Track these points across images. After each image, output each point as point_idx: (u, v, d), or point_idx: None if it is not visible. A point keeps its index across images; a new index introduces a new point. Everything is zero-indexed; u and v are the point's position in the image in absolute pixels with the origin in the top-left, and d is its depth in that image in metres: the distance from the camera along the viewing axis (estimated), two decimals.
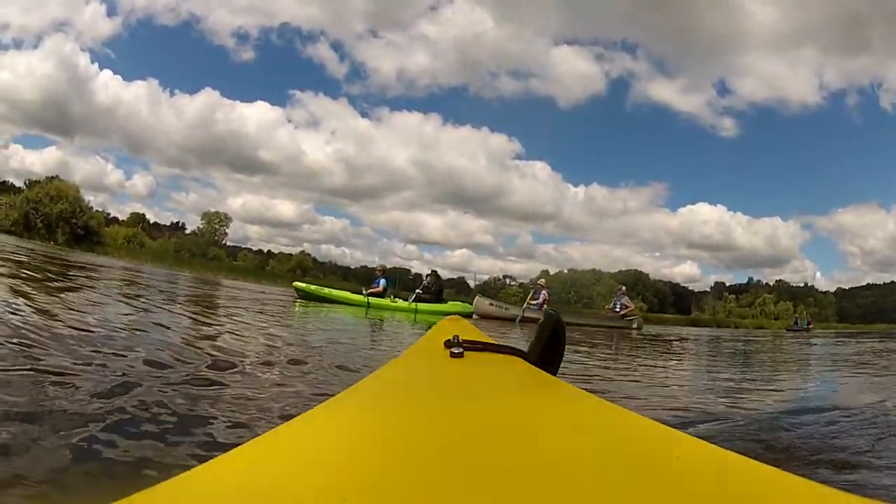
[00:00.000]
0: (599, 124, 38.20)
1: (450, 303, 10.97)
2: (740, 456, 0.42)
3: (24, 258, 8.21)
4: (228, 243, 33.61)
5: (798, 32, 31.44)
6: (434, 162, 36.52)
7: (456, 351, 0.91)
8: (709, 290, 32.72)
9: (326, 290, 10.31)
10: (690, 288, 33.07)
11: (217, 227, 34.43)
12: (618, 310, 12.84)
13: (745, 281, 32.63)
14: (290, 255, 32.23)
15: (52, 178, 30.21)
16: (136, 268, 14.30)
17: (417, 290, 10.70)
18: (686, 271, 33.47)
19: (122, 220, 32.21)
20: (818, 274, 32.23)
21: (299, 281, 11.15)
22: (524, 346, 0.99)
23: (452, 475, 0.39)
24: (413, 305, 10.15)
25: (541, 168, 35.13)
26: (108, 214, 30.70)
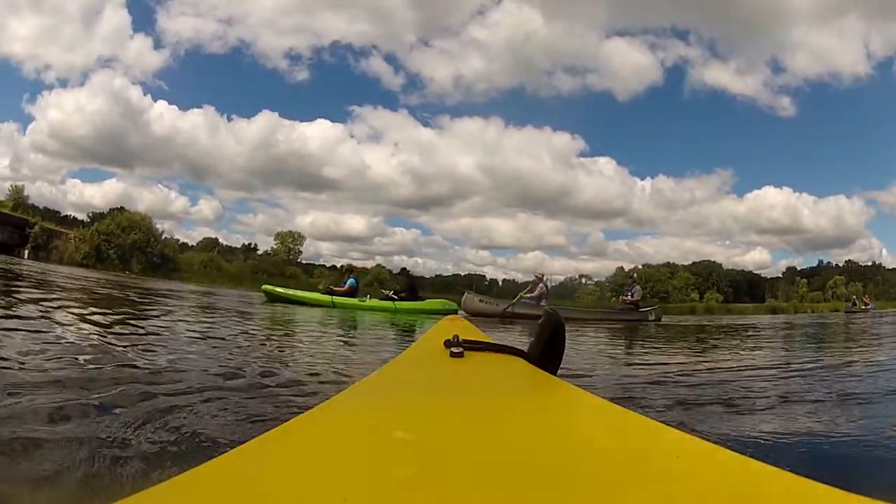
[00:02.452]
0: (660, 114, 37.56)
1: (428, 301, 10.78)
2: (740, 455, 0.42)
3: (109, 289, 8.43)
4: (303, 261, 33.70)
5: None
6: (499, 166, 36.14)
7: (456, 351, 0.91)
8: (781, 275, 31.91)
9: (292, 292, 10.62)
10: (763, 275, 32.23)
11: (291, 245, 34.63)
12: (630, 297, 11.77)
13: (815, 264, 31.93)
14: (366, 268, 32.01)
15: (119, 209, 31.00)
16: (214, 291, 14.71)
17: (389, 291, 10.63)
18: (757, 258, 32.74)
19: (193, 246, 32.72)
20: (884, 251, 31.27)
21: (267, 285, 11.40)
22: (522, 345, 0.99)
23: (453, 475, 0.39)
24: (392, 304, 10.03)
25: (606, 163, 34.60)
26: (178, 241, 31.27)
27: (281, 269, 30.91)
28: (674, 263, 31.76)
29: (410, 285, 10.97)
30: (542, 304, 10.95)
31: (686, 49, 30.81)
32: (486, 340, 1.07)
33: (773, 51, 30.71)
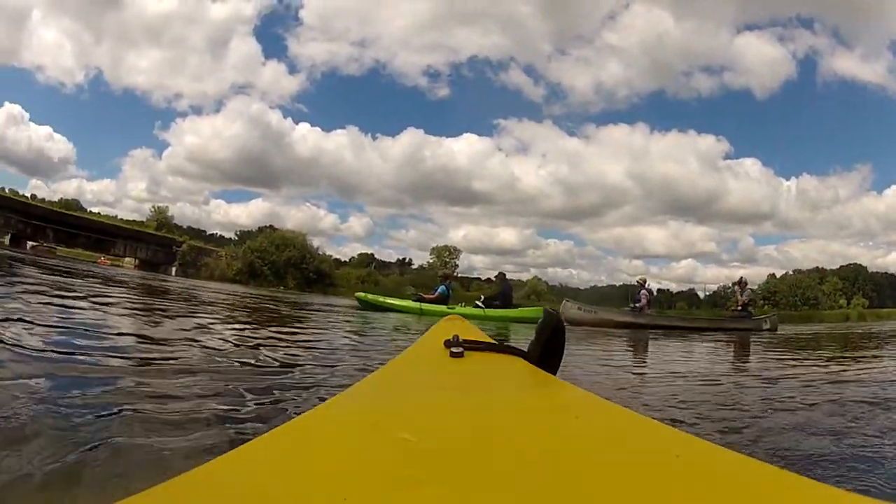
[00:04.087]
0: (796, 109, 36.81)
1: (521, 308, 10.41)
2: (741, 455, 0.42)
3: (275, 305, 8.59)
4: (458, 274, 33.68)
5: None
6: (648, 172, 35.79)
7: (456, 350, 0.91)
8: None
9: (382, 299, 10.83)
10: None
11: (447, 259, 35.05)
12: (742, 301, 10.51)
13: None
14: (522, 281, 31.67)
15: (269, 227, 32.37)
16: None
17: (482, 297, 10.55)
18: None
19: (346, 261, 33.61)
20: None
21: (360, 292, 11.72)
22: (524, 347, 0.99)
23: (453, 475, 0.39)
24: (482, 312, 9.79)
25: (752, 165, 34.46)
26: (330, 257, 32.16)
27: (437, 283, 30.18)
28: (822, 268, 31.10)
29: (505, 292, 10.67)
30: (645, 312, 10.36)
31: (813, 38, 30.75)
32: (487, 340, 1.07)
33: (891, 35, 29.92)
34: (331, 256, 31.37)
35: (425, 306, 9.99)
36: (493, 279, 11.24)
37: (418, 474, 0.38)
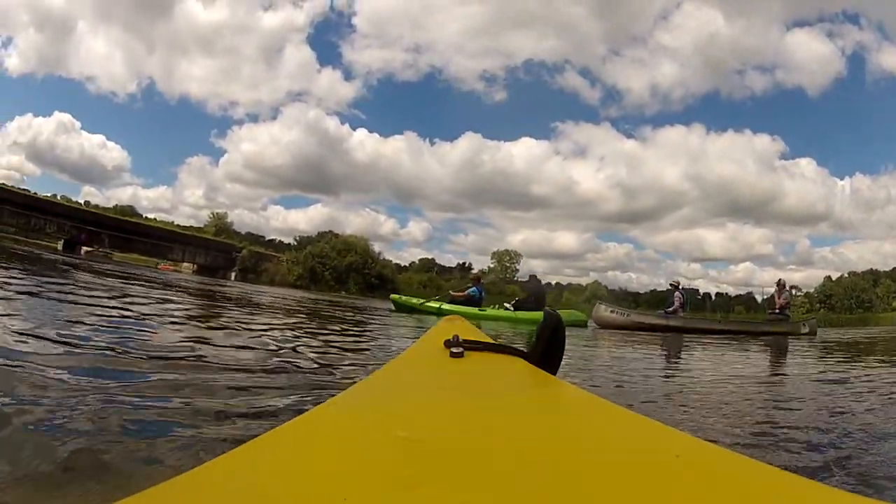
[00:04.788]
0: (846, 107, 36.85)
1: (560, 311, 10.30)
2: (741, 455, 0.42)
3: (339, 310, 8.64)
4: (518, 279, 33.67)
5: None
6: (705, 174, 35.53)
7: (456, 351, 0.91)
8: None
9: (415, 301, 11.05)
10: None
11: (507, 264, 35.24)
12: (780, 303, 10.05)
13: None
14: (581, 285, 31.52)
15: (328, 232, 32.97)
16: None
17: (515, 301, 10.45)
18: None
19: (406, 266, 33.97)
20: None
21: (394, 294, 12.02)
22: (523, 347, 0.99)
23: (452, 475, 0.39)
24: (512, 314, 9.70)
25: (807, 165, 34.52)
26: (391, 261, 32.71)
27: (499, 287, 30.70)
28: (876, 270, 30.80)
29: (536, 294, 10.48)
30: (679, 314, 10.17)
31: (860, 34, 30.83)
32: (487, 340, 1.07)
33: None
34: (391, 261, 31.62)
35: (452, 307, 9.89)
36: (523, 281, 11.15)
37: (418, 474, 0.38)
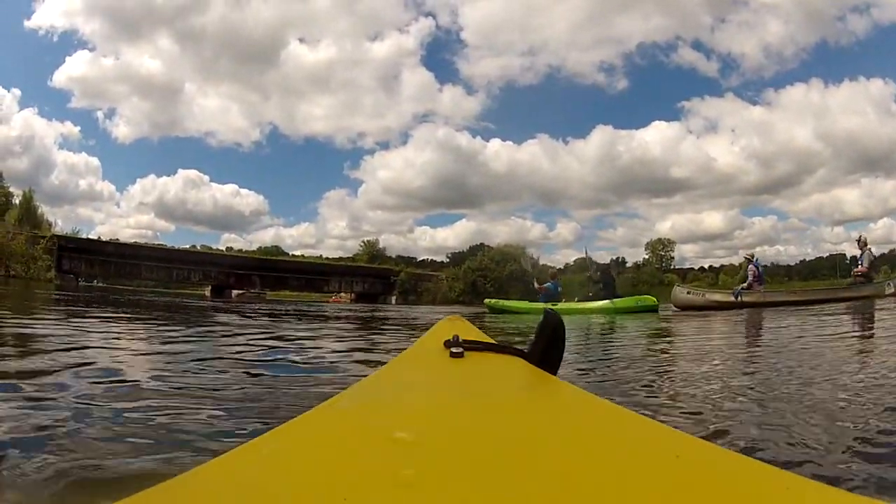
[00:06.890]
0: None
1: (618, 299, 9.94)
2: (741, 455, 0.42)
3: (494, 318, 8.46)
4: (674, 267, 33.32)
5: None
6: (832, 130, 34.25)
7: (456, 351, 0.91)
8: None
9: (508, 303, 11.57)
10: None
11: (662, 253, 34.63)
12: (861, 268, 9.16)
13: None
14: (735, 265, 30.39)
15: (479, 245, 33.00)
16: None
17: (588, 295, 10.53)
18: None
19: (561, 269, 32.91)
20: None
21: (489, 299, 12.52)
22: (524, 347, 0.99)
23: (453, 475, 0.39)
24: (613, 304, 9.63)
25: None
26: (546, 266, 31.70)
27: (658, 277, 30.32)
28: None
29: (607, 283, 10.54)
30: (755, 288, 9.68)
31: None
32: (487, 340, 1.07)
33: None
34: (544, 265, 31.23)
35: (540, 305, 10.00)
36: (598, 266, 11.48)
37: (418, 474, 0.38)
